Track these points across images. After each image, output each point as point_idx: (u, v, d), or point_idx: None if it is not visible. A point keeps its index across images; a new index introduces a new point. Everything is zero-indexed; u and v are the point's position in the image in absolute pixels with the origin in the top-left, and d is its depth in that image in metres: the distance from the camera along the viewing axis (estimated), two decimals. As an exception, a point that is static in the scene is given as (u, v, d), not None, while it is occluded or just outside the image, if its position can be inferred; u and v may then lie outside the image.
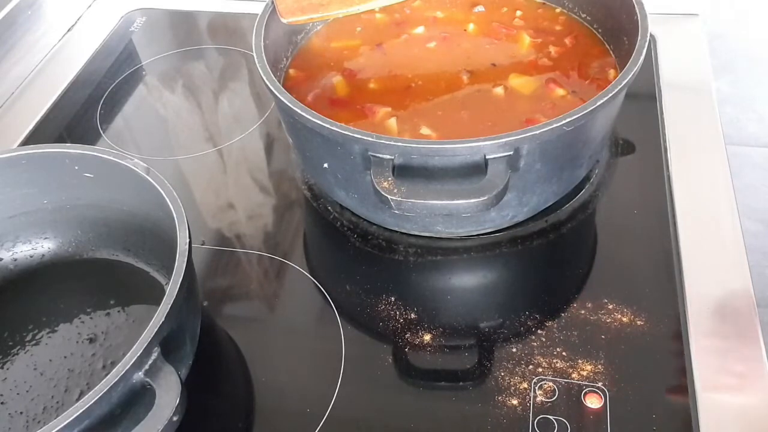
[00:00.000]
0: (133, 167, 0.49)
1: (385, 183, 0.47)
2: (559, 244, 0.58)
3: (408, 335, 0.52)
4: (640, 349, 0.49)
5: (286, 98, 0.52)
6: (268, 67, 0.55)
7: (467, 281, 0.57)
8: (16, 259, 0.56)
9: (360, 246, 0.59)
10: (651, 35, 0.67)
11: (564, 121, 0.48)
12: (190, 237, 0.45)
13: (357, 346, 0.51)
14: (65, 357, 0.51)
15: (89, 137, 0.71)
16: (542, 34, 0.66)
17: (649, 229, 0.57)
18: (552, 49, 0.64)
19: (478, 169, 0.48)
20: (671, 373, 0.48)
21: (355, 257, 0.58)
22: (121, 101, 0.76)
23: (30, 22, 0.85)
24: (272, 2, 0.61)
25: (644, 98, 0.68)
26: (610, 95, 0.50)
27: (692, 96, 0.68)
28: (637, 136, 0.65)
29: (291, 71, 0.65)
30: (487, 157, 0.47)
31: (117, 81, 0.78)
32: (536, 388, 0.48)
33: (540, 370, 0.49)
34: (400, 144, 0.48)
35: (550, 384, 0.48)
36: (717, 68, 0.73)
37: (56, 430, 0.36)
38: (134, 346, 0.39)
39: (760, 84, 1.03)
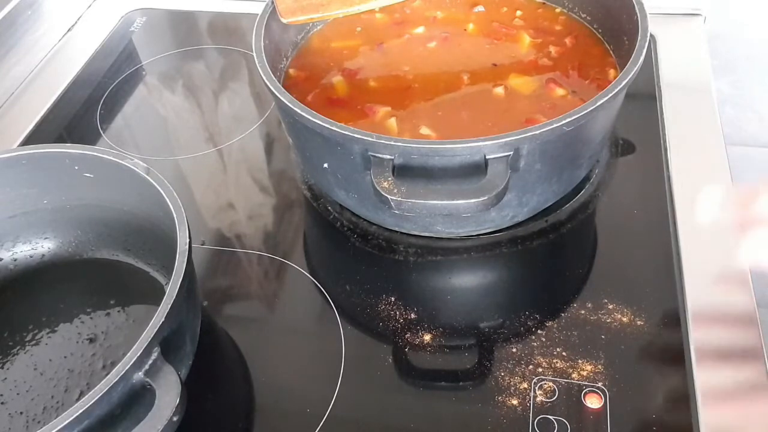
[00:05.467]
0: (133, 167, 0.49)
1: (385, 183, 0.47)
2: (559, 244, 0.58)
3: (408, 335, 0.52)
4: (640, 349, 0.49)
5: (286, 98, 0.52)
6: (268, 67, 0.55)
7: (467, 281, 0.57)
8: (16, 259, 0.56)
9: (360, 246, 0.59)
10: (651, 35, 0.67)
11: (564, 121, 0.48)
12: (190, 237, 0.45)
13: (357, 346, 0.51)
14: (65, 357, 0.51)
15: (89, 137, 0.71)
16: (542, 34, 0.66)
17: (649, 229, 0.57)
18: (552, 49, 0.64)
19: (478, 169, 0.48)
20: (671, 373, 0.48)
21: (355, 257, 0.58)
22: (121, 101, 0.76)
23: (30, 22, 0.85)
24: (272, 2, 0.61)
25: (644, 98, 0.68)
26: (610, 95, 0.50)
27: (692, 96, 0.68)
28: (637, 136, 0.65)
29: (291, 71, 0.65)
30: (487, 157, 0.47)
31: (117, 81, 0.78)
32: (536, 388, 0.48)
33: (540, 370, 0.49)
34: (400, 144, 0.48)
35: (550, 384, 0.48)
36: (717, 68, 0.73)
37: (56, 430, 0.36)
38: (134, 346, 0.39)
39: (760, 84, 1.03)
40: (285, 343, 0.53)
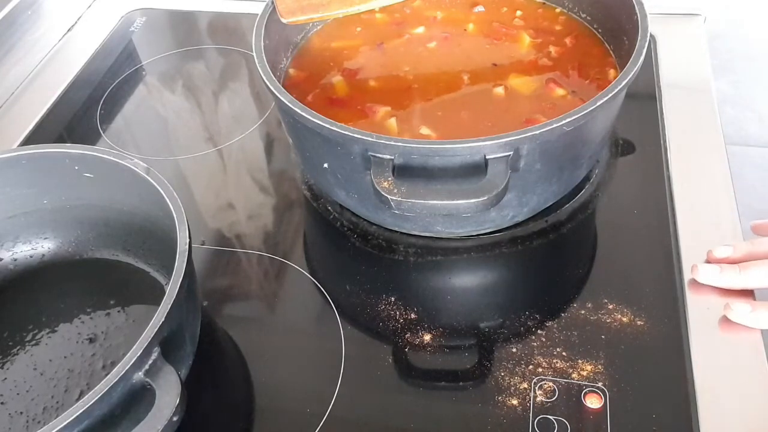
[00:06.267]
0: (133, 167, 0.49)
1: (385, 183, 0.47)
2: (559, 245, 0.58)
3: (408, 335, 0.52)
4: (640, 349, 0.49)
5: (286, 98, 0.52)
6: (268, 67, 0.55)
7: (467, 281, 0.57)
8: (16, 259, 0.56)
9: (360, 246, 0.59)
10: (651, 35, 0.67)
11: (564, 121, 0.48)
12: (190, 237, 0.45)
13: (357, 346, 0.51)
14: (65, 357, 0.51)
15: (89, 137, 0.71)
16: (542, 34, 0.66)
17: (649, 229, 0.57)
18: (552, 49, 0.64)
19: (478, 169, 0.48)
20: (671, 373, 0.48)
21: (355, 257, 0.58)
22: (121, 101, 0.76)
23: (30, 22, 0.85)
24: (272, 2, 0.61)
25: (644, 98, 0.68)
26: (610, 95, 0.50)
27: (692, 96, 0.68)
28: (637, 136, 0.65)
29: (291, 71, 0.65)
30: (487, 157, 0.47)
31: (117, 81, 0.78)
32: (536, 388, 0.48)
33: (540, 370, 0.49)
34: (400, 144, 0.48)
35: (550, 384, 0.48)
36: (717, 68, 0.73)
37: (56, 430, 0.36)
38: (134, 346, 0.39)
39: (760, 84, 1.03)
40: (285, 343, 0.53)
